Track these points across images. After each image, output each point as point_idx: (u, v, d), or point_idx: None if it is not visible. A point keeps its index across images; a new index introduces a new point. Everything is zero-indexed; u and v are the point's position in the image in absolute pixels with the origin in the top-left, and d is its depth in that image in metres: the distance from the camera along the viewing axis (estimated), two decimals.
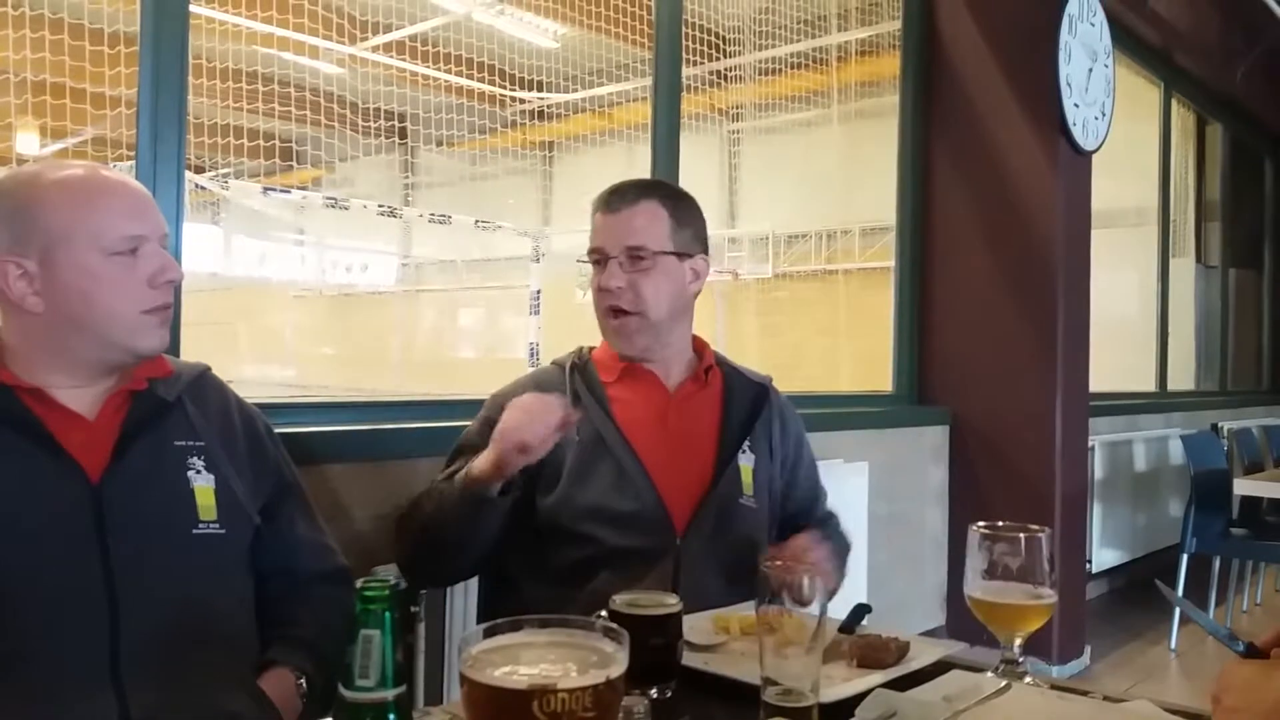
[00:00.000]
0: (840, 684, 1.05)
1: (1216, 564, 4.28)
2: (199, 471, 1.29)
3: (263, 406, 1.49)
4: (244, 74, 4.73)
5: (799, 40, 4.53)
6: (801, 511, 1.76)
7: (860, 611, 1.27)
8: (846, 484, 3.16)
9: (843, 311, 5.18)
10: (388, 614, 0.66)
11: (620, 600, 1.07)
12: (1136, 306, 5.69)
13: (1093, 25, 3.82)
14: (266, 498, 1.39)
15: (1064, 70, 3.61)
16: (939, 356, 3.88)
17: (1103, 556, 4.63)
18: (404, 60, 5.07)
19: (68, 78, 3.23)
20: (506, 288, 7.51)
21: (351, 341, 8.40)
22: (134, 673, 1.17)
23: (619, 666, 0.73)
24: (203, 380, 1.39)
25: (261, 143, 5.25)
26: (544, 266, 6.48)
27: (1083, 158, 3.80)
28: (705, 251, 1.70)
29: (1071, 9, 3.65)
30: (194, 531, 1.26)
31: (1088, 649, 3.83)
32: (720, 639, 1.23)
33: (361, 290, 8.20)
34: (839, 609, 1.16)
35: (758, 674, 0.97)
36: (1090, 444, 4.15)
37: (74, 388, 1.25)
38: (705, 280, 1.70)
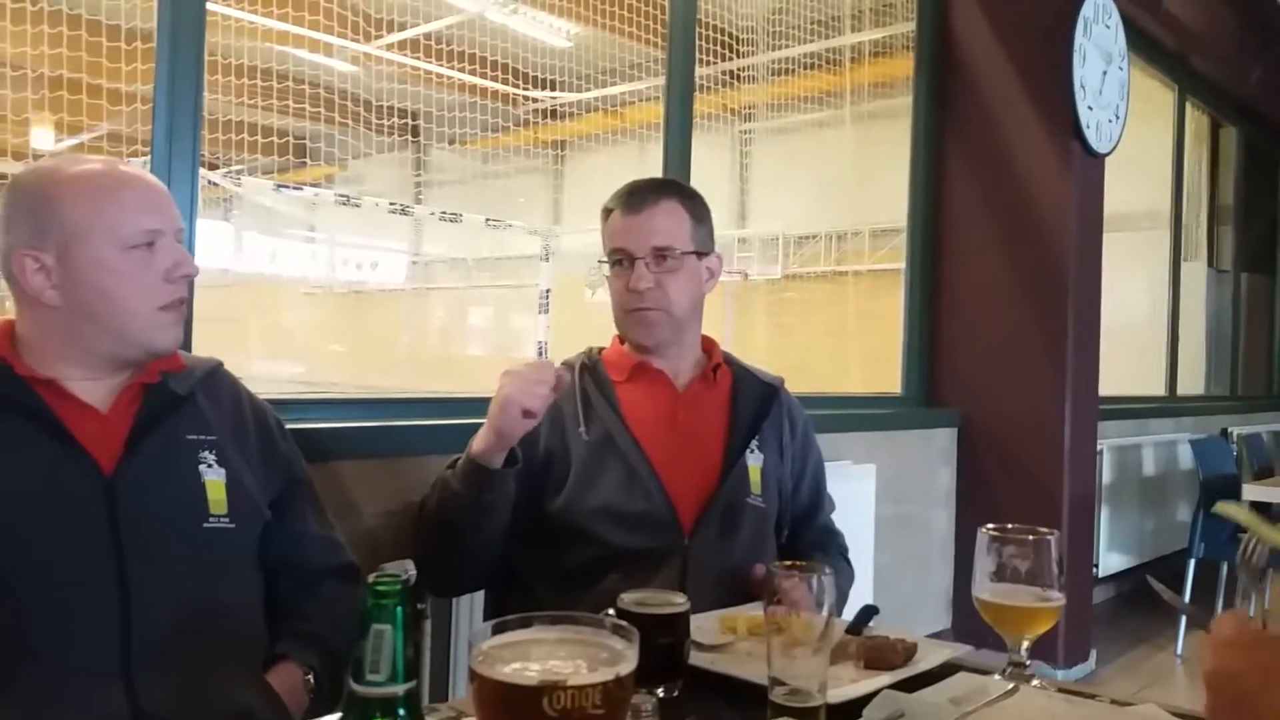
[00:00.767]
0: (847, 685, 1.05)
1: (1224, 570, 4.26)
2: (210, 466, 1.30)
3: (273, 402, 1.50)
4: (258, 71, 4.75)
5: (812, 41, 4.52)
6: (800, 517, 1.75)
7: (867, 613, 1.27)
8: (854, 485, 3.16)
9: (852, 313, 5.17)
10: (399, 609, 0.67)
11: (628, 599, 1.07)
12: (1147, 310, 5.67)
13: (1108, 28, 3.81)
14: (277, 493, 1.40)
15: (1078, 73, 3.60)
16: (948, 359, 3.88)
17: (1110, 561, 4.62)
18: (417, 58, 5.07)
19: (84, 73, 3.24)
20: (516, 286, 7.51)
21: (361, 339, 8.41)
22: (144, 665, 1.18)
23: (629, 664, 0.73)
24: (215, 375, 1.40)
25: (275, 139, 5.26)
26: (554, 265, 6.48)
27: (1096, 161, 3.79)
28: (715, 248, 1.71)
29: (1087, 11, 3.64)
30: (205, 525, 1.27)
31: (1094, 653, 3.82)
32: (727, 639, 1.23)
33: (372, 288, 8.21)
34: (847, 610, 1.17)
35: (765, 674, 0.98)
36: (1099, 448, 4.14)
37: (88, 380, 1.26)
38: (719, 278, 1.71)
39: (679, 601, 1.08)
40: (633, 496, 1.55)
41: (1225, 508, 0.97)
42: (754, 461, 1.63)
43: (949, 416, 3.81)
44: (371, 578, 0.68)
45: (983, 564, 1.11)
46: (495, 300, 8.19)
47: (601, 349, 1.72)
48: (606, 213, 1.67)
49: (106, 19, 3.13)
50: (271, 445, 1.42)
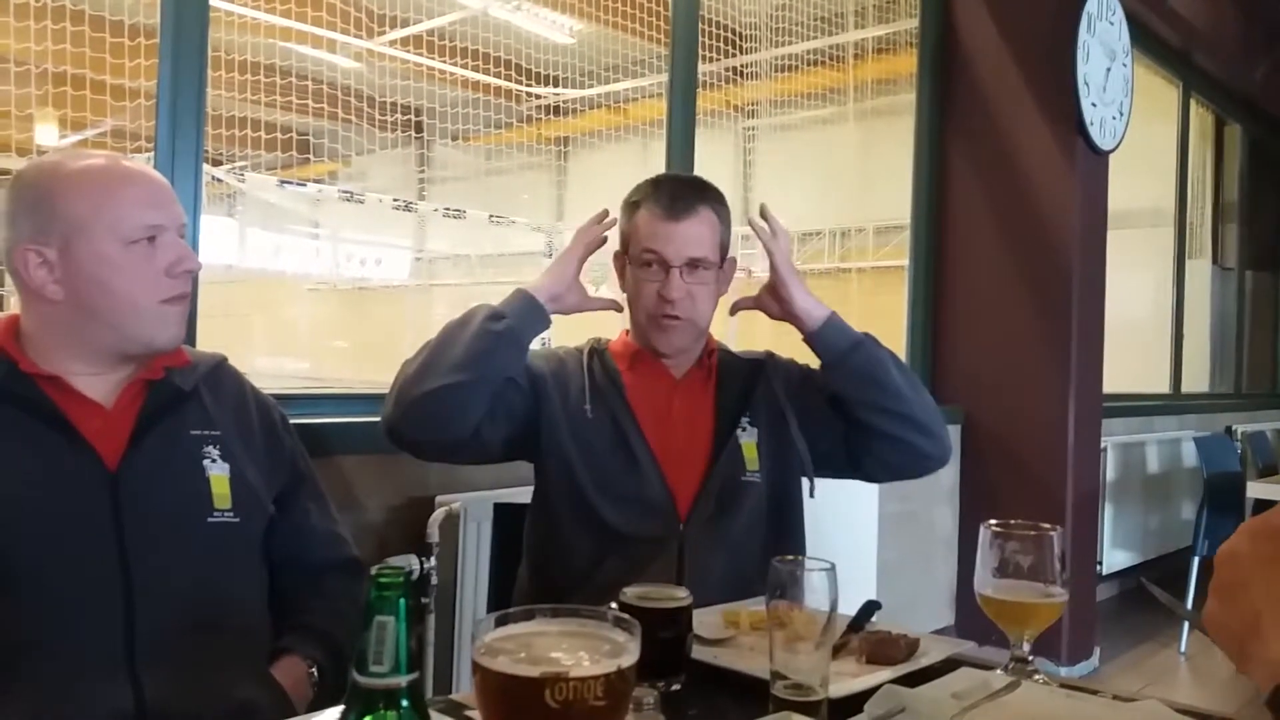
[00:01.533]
0: (849, 679, 1.05)
1: None
2: (214, 460, 1.30)
3: (277, 397, 1.50)
4: (262, 67, 4.74)
5: (816, 37, 4.52)
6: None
7: (870, 608, 1.27)
8: (858, 482, 3.15)
9: (856, 310, 5.16)
10: (402, 600, 0.67)
11: (630, 593, 1.08)
12: (1151, 308, 5.66)
13: (1111, 24, 3.80)
14: (281, 487, 1.41)
15: (1082, 69, 3.59)
16: (952, 356, 3.87)
17: (1114, 558, 4.62)
18: (421, 55, 5.07)
19: (87, 69, 3.24)
20: (520, 283, 7.49)
21: (365, 335, 8.41)
22: (148, 660, 1.18)
23: (630, 656, 0.73)
24: (219, 370, 1.40)
25: (278, 135, 5.26)
26: None
27: (1100, 157, 3.78)
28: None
29: (1090, 7, 3.63)
30: (209, 520, 1.27)
31: (1097, 650, 3.82)
32: (730, 633, 1.23)
33: (376, 284, 8.21)
34: (849, 606, 1.17)
35: (767, 668, 0.98)
36: (1103, 445, 4.13)
37: (92, 375, 1.27)
38: (730, 283, 1.72)
39: (681, 595, 1.08)
40: (632, 482, 1.56)
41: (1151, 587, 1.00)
42: (747, 438, 1.63)
43: (952, 413, 3.80)
44: (375, 570, 0.68)
45: (985, 559, 1.11)
46: (499, 296, 8.19)
47: (608, 341, 1.73)
48: (632, 205, 1.64)
49: (110, 15, 3.13)
50: (276, 440, 1.42)
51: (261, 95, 4.91)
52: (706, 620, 1.23)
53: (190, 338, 1.75)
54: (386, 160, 7.13)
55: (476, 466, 1.91)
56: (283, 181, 5.99)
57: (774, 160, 5.86)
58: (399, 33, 5.12)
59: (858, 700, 0.98)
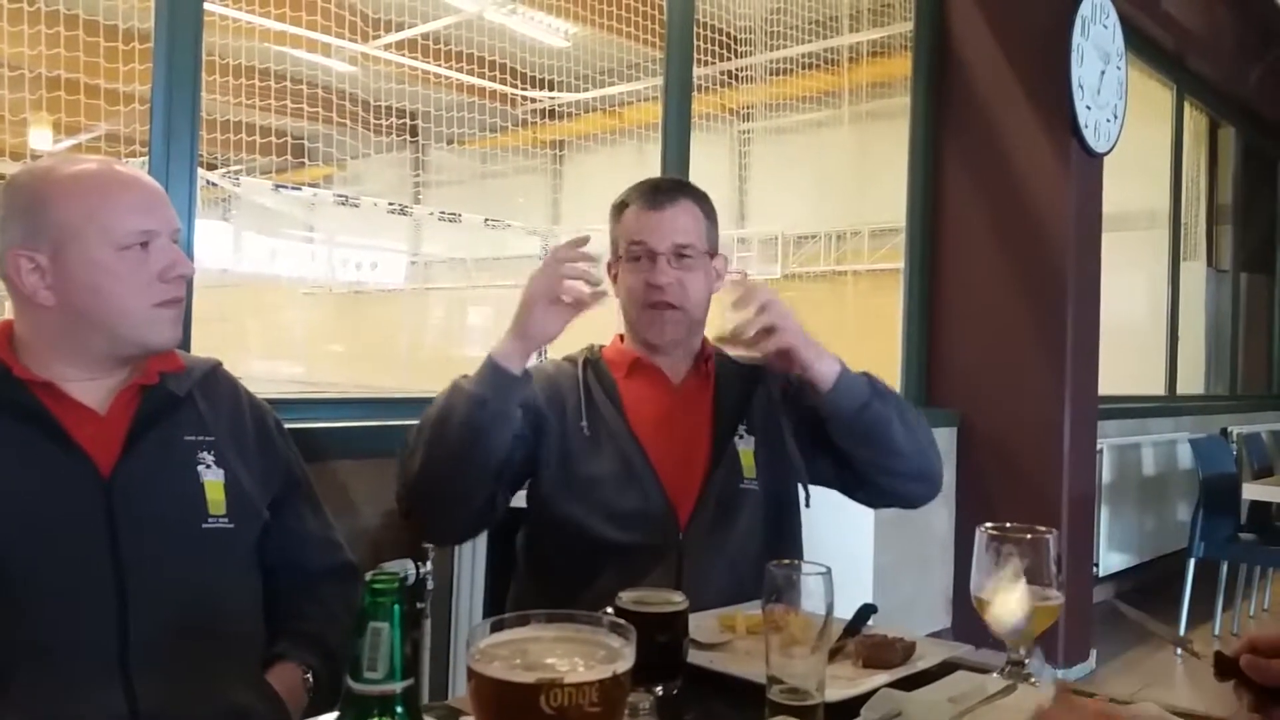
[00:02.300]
0: (845, 683, 1.05)
1: (1224, 569, 4.27)
2: (209, 466, 1.30)
3: (272, 402, 1.50)
4: (256, 71, 4.74)
5: (810, 41, 4.53)
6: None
7: (866, 612, 1.27)
8: None
9: (851, 313, 5.17)
10: (396, 606, 0.67)
11: (626, 597, 1.07)
12: (1146, 310, 5.67)
13: (1105, 27, 3.81)
14: (275, 493, 1.40)
15: (1076, 72, 3.60)
16: (947, 358, 3.88)
17: (1110, 560, 4.62)
18: (415, 58, 5.07)
19: (82, 74, 3.24)
20: (516, 286, 7.47)
21: (360, 339, 8.41)
22: (142, 666, 1.18)
23: (626, 662, 0.73)
24: (213, 375, 1.40)
25: (273, 140, 5.26)
26: None
27: (1094, 160, 3.79)
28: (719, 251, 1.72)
29: (1084, 11, 3.64)
30: (203, 526, 1.27)
31: (1094, 653, 3.82)
32: (726, 638, 1.23)
33: (371, 288, 8.20)
34: (845, 609, 1.16)
35: (763, 672, 0.97)
36: (1099, 447, 4.14)
37: (85, 381, 1.26)
38: (724, 280, 1.71)
39: (678, 600, 1.08)
40: (629, 493, 1.55)
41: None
42: (744, 446, 1.62)
43: (948, 416, 3.81)
44: (370, 575, 0.68)
45: (982, 563, 1.11)
46: (494, 300, 8.19)
47: (602, 346, 1.72)
48: (619, 209, 1.66)
49: (104, 19, 3.13)
50: (270, 445, 1.42)
51: (256, 99, 4.91)
52: (703, 624, 1.23)
53: (184, 342, 1.74)
54: (381, 164, 7.13)
55: None
56: (277, 185, 5.98)
57: (769, 163, 5.87)
58: (394, 36, 5.12)
59: (854, 704, 0.98)
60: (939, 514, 3.76)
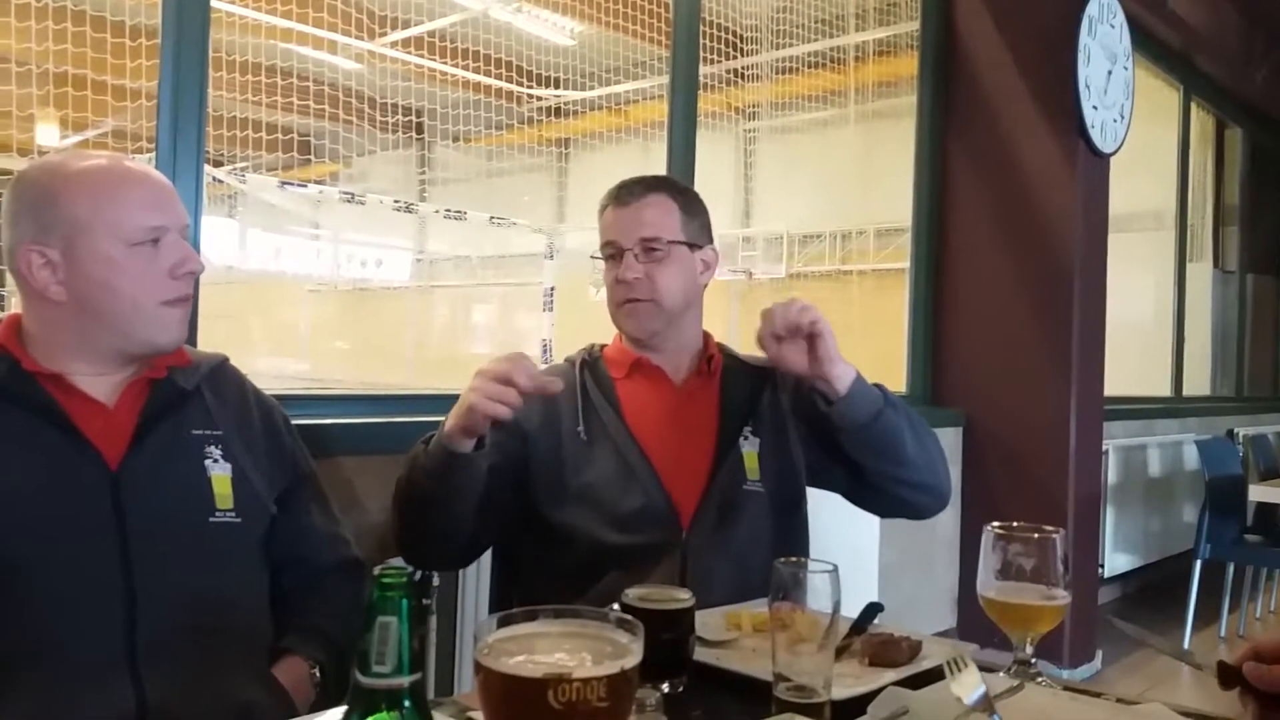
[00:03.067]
0: (852, 681, 1.05)
1: (1230, 570, 4.26)
2: (216, 460, 1.30)
3: (279, 398, 1.50)
4: (263, 68, 4.75)
5: (816, 39, 4.53)
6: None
7: (872, 610, 1.27)
8: None
9: (857, 312, 5.16)
10: (405, 601, 0.67)
11: (633, 594, 1.07)
12: (1153, 311, 5.66)
13: (1112, 27, 3.81)
14: (282, 488, 1.40)
15: (1083, 72, 3.59)
16: (953, 358, 3.87)
17: (1115, 561, 4.62)
18: (421, 56, 5.08)
19: (89, 70, 3.25)
20: (521, 284, 7.52)
21: (365, 336, 8.43)
22: (150, 659, 1.18)
23: (634, 657, 0.73)
24: (221, 370, 1.40)
25: (280, 136, 5.27)
26: (558, 263, 6.48)
27: (1101, 160, 3.78)
28: (713, 243, 1.70)
29: (1091, 11, 3.63)
30: (210, 520, 1.27)
31: (1099, 653, 3.81)
32: (732, 635, 1.23)
33: (376, 285, 8.22)
34: (851, 608, 1.16)
35: (770, 670, 0.97)
36: (1104, 448, 4.13)
37: (94, 375, 1.26)
38: (715, 272, 1.70)
39: (684, 597, 1.08)
40: (630, 495, 1.54)
41: None
42: (749, 448, 1.61)
43: (954, 416, 3.80)
44: (378, 570, 0.68)
45: (988, 562, 1.11)
46: (499, 298, 8.21)
47: (604, 346, 1.72)
48: (599, 211, 1.68)
49: (111, 15, 3.14)
50: (277, 440, 1.42)
51: (263, 96, 4.92)
52: (709, 622, 1.23)
53: (191, 338, 1.75)
54: (387, 161, 7.15)
55: None
56: (284, 183, 5.99)
57: (775, 162, 5.87)
58: (400, 34, 5.13)
59: (860, 702, 0.98)
60: (944, 514, 3.71)
